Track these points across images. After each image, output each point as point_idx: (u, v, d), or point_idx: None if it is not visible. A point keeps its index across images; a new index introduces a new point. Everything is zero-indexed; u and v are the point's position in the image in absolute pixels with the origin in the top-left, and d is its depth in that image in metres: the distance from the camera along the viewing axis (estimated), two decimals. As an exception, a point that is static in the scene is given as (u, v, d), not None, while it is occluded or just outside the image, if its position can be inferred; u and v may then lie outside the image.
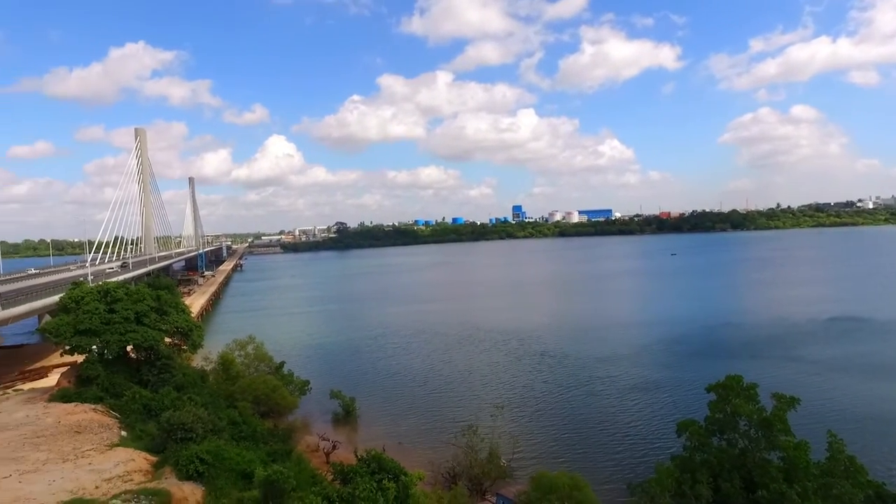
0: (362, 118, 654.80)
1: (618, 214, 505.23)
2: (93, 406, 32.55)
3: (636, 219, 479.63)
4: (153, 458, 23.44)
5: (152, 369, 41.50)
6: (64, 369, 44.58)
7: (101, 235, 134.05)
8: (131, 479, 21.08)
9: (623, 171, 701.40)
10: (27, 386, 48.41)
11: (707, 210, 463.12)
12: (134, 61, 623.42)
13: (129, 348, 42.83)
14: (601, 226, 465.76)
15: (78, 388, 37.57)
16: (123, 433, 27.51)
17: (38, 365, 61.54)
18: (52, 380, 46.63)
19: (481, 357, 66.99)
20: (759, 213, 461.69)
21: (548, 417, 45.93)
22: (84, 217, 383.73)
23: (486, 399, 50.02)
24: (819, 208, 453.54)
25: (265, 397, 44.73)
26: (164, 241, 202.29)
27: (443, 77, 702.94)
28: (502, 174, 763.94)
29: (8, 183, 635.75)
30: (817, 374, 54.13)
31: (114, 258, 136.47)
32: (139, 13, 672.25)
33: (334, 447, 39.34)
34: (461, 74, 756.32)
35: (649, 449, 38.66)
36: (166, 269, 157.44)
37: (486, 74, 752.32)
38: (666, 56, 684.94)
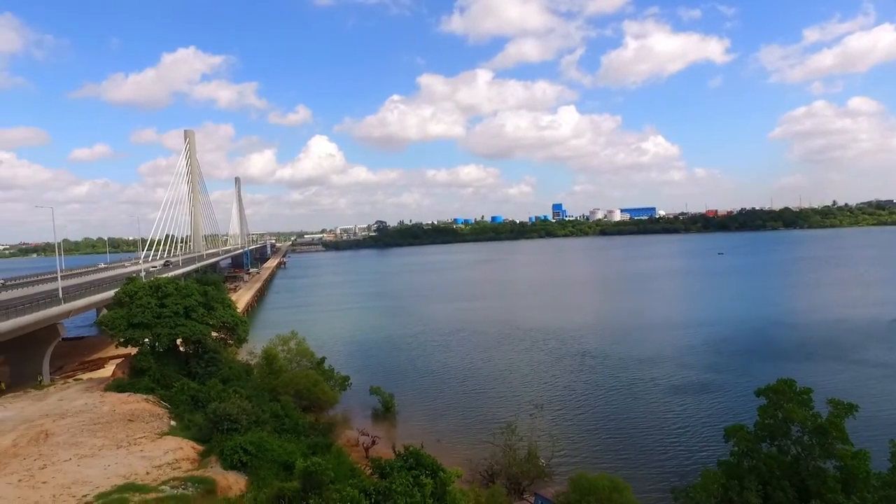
0: (402, 118, 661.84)
1: (662, 213, 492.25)
2: (144, 396, 33.97)
3: (681, 217, 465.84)
4: (200, 447, 24.25)
5: (200, 362, 43.04)
6: (119, 361, 46.72)
7: (153, 234, 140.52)
8: (179, 467, 21.86)
9: (667, 169, 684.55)
10: (86, 376, 51.10)
11: (757, 208, 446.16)
12: (185, 66, 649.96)
13: (178, 341, 44.58)
14: (644, 224, 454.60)
15: (131, 379, 39.36)
16: (172, 423, 28.59)
17: (96, 356, 64.91)
18: (108, 370, 49.04)
19: (521, 356, 66.40)
20: (814, 210, 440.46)
21: (589, 419, 45.08)
22: (137, 216, 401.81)
23: (526, 398, 49.55)
24: (880, 205, 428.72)
25: (306, 391, 45.64)
26: (211, 240, 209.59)
27: (482, 75, 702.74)
28: (542, 172, 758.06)
29: (70, 184, 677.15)
30: (878, 379, 51.19)
31: (166, 255, 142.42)
32: (190, 20, 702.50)
33: (374, 442, 39.78)
34: (501, 72, 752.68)
35: (694, 454, 37.44)
36: (214, 266, 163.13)
37: (526, 72, 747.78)
38: (713, 49, 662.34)
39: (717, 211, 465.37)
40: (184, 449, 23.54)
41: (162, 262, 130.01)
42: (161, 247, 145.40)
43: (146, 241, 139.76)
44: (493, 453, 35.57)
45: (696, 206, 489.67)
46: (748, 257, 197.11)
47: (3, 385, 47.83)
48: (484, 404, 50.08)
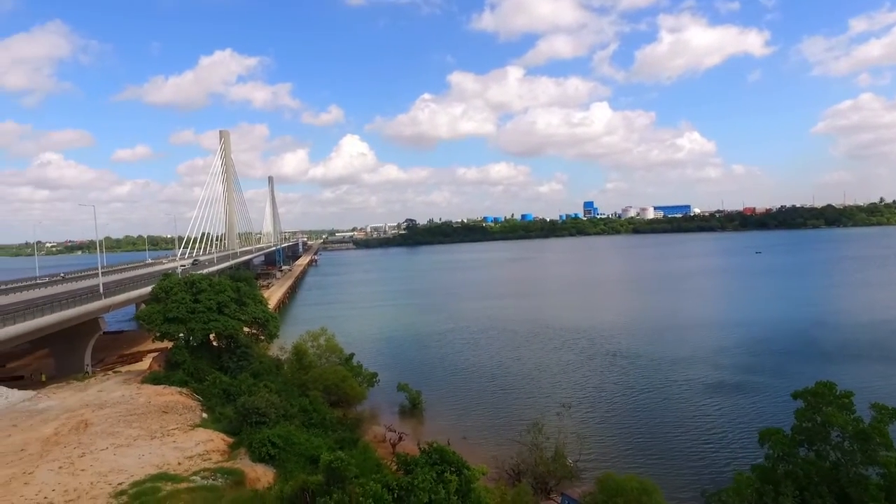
0: (433, 116, 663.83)
1: (697, 210, 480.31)
2: (178, 389, 34.95)
3: (717, 215, 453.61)
4: (230, 440, 24.79)
5: (232, 356, 44.13)
6: (156, 354, 48.19)
7: (189, 232, 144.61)
8: (209, 458, 22.38)
9: (703, 165, 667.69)
10: (125, 368, 52.85)
11: (797, 205, 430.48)
12: (221, 68, 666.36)
13: (211, 336, 45.75)
14: (679, 222, 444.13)
15: (166, 372, 40.60)
16: (204, 415, 29.31)
17: (135, 349, 67.09)
18: (146, 363, 50.66)
19: (550, 355, 65.76)
20: (859, 208, 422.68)
21: (618, 419, 44.30)
22: (174, 215, 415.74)
23: (554, 398, 49.05)
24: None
25: (335, 387, 46.23)
26: (245, 237, 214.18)
27: (513, 72, 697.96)
28: (573, 170, 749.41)
29: (112, 184, 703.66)
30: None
31: (196, 253, 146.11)
32: (227, 22, 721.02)
33: (400, 438, 39.94)
34: (532, 69, 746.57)
35: (727, 457, 36.40)
36: (247, 263, 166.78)
37: (558, 68, 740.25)
38: (753, 42, 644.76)
39: (755, 208, 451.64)
40: (214, 441, 24.10)
41: (190, 260, 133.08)
42: (197, 244, 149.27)
43: (183, 238, 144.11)
44: (520, 452, 35.30)
45: (733, 204, 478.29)
46: (788, 256, 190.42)
47: (43, 376, 49.94)
48: (511, 403, 49.79)
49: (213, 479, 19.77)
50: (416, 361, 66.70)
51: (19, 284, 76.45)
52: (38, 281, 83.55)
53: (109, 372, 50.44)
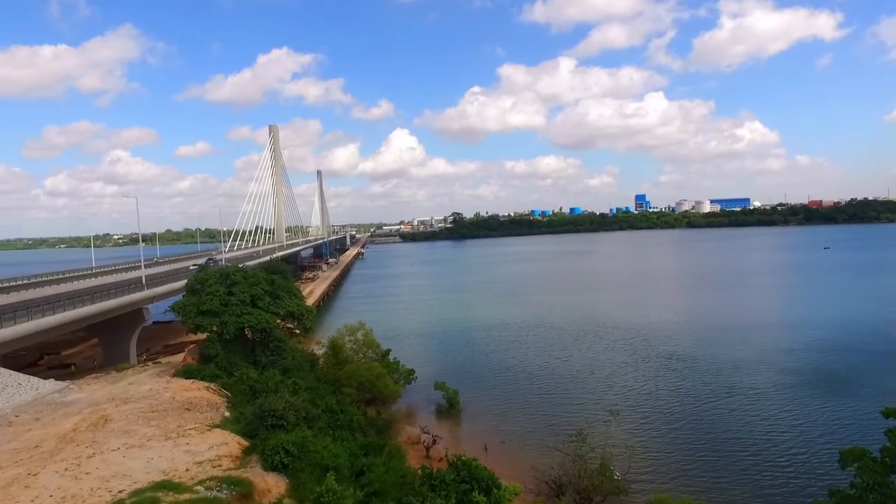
0: (482, 109, 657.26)
1: (757, 203, 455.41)
2: (206, 384, 33.99)
3: (779, 208, 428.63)
4: (245, 443, 23.23)
5: (265, 351, 43.14)
6: (191, 346, 47.99)
7: (237, 225, 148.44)
8: (220, 465, 20.82)
9: (764, 157, 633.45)
10: (165, 360, 53.12)
11: (870, 198, 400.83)
12: (278, 66, 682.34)
13: (246, 329, 44.95)
14: (737, 216, 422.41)
15: (199, 366, 39.95)
16: (226, 413, 28.01)
17: (179, 340, 68.02)
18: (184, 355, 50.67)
19: (600, 356, 61.78)
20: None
21: (673, 431, 40.27)
22: (221, 208, 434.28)
23: (603, 403, 45.48)
24: None
25: (369, 384, 44.64)
26: (295, 231, 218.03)
27: (565, 64, 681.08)
28: (625, 162, 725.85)
29: (174, 179, 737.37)
30: None
31: (251, 245, 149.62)
32: (284, 21, 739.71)
33: (434, 441, 37.88)
34: (585, 60, 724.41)
35: (800, 480, 32.17)
36: (295, 255, 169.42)
37: (611, 58, 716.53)
38: (823, 25, 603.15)
39: (821, 201, 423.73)
40: (229, 444, 22.57)
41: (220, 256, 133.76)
42: (247, 238, 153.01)
43: (236, 231, 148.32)
44: (563, 462, 32.36)
45: (797, 197, 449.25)
46: (862, 252, 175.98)
47: (73, 367, 50.73)
48: (555, 406, 46.74)
49: (218, 490, 18.11)
50: (456, 358, 64.45)
51: (71, 275, 79.04)
52: (94, 271, 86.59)
53: (149, 363, 50.78)
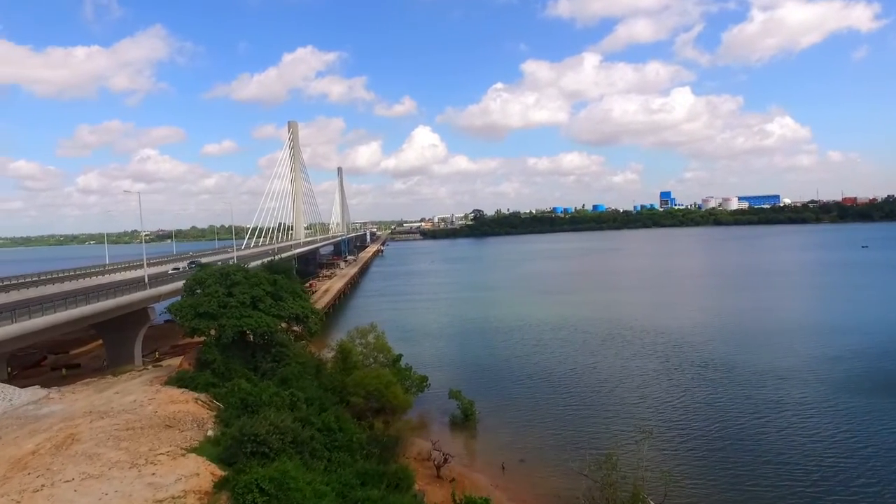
0: (505, 105, 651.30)
1: (787, 201, 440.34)
2: (197, 395, 31.02)
3: (811, 205, 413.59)
4: (220, 473, 20.01)
5: (266, 356, 40.22)
6: (188, 351, 45.35)
7: (254, 222, 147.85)
8: (184, 503, 17.59)
9: (794, 153, 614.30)
10: (167, 362, 50.68)
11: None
12: (303, 64, 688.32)
13: (247, 333, 42.08)
14: (766, 213, 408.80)
15: (194, 372, 37.11)
16: (210, 433, 24.90)
17: (186, 341, 65.77)
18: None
19: (629, 363, 57.18)
20: None
21: (714, 452, 35.80)
22: (255, 206, 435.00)
23: (633, 419, 41.12)
24: None
25: (378, 393, 41.40)
26: (315, 228, 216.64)
27: (590, 59, 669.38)
28: (650, 159, 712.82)
29: (201, 177, 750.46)
30: None
31: (267, 243, 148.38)
32: (309, 20, 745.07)
33: (446, 460, 34.35)
34: (610, 55, 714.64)
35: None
36: (314, 252, 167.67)
37: (637, 53, 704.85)
38: (859, 16, 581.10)
39: (856, 198, 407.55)
40: (200, 475, 19.39)
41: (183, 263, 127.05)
42: (265, 235, 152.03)
43: (255, 229, 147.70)
44: (589, 489, 28.60)
45: (829, 194, 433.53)
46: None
47: (63, 371, 48.60)
48: (580, 420, 42.66)
49: (172, 543, 14.78)
50: (474, 363, 60.78)
51: (77, 273, 77.46)
52: (107, 268, 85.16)
53: (149, 365, 48.40)
